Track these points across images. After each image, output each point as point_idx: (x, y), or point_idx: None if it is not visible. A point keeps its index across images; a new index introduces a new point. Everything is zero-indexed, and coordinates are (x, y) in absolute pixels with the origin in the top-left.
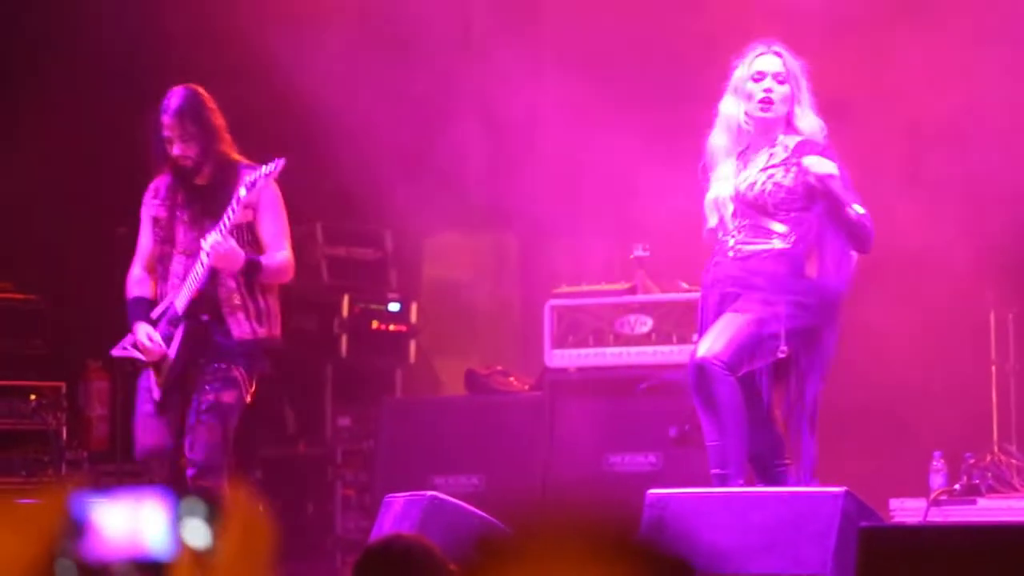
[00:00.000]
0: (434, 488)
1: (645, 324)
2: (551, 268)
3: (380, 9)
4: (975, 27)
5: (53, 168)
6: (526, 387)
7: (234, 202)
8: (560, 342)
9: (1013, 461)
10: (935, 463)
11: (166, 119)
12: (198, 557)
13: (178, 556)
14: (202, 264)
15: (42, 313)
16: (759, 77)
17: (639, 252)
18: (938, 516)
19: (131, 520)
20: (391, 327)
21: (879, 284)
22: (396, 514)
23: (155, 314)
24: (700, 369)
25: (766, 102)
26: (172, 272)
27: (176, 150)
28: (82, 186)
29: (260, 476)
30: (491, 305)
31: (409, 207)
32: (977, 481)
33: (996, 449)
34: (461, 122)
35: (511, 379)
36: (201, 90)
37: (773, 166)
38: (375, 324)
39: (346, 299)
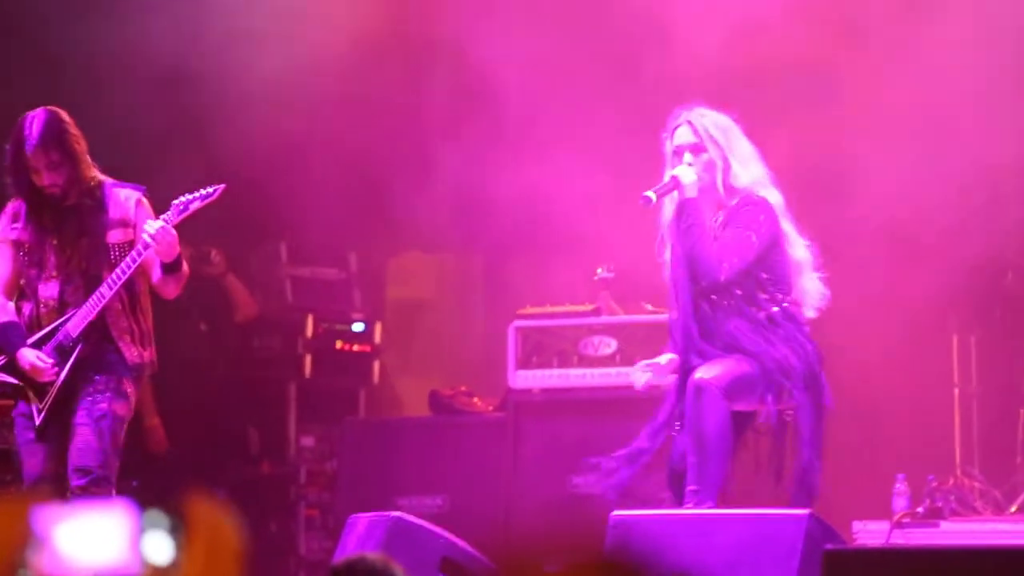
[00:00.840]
0: (398, 509)
1: (609, 346)
2: (515, 289)
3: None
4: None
5: None
6: (490, 408)
7: (181, 204)
8: (524, 363)
9: (976, 484)
10: (898, 486)
11: (29, 150)
12: (162, 572)
13: (142, 572)
14: (139, 252)
15: None
16: (678, 152)
17: (603, 273)
18: (901, 539)
19: (94, 535)
20: (355, 347)
21: (842, 308)
22: (360, 534)
23: (32, 339)
24: (698, 390)
25: (672, 188)
26: (43, 295)
27: (45, 180)
28: None
29: (223, 496)
30: (455, 326)
31: (372, 227)
32: (940, 504)
33: (959, 472)
34: (427, 141)
35: (475, 400)
36: (61, 113)
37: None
38: (339, 344)
39: (310, 319)
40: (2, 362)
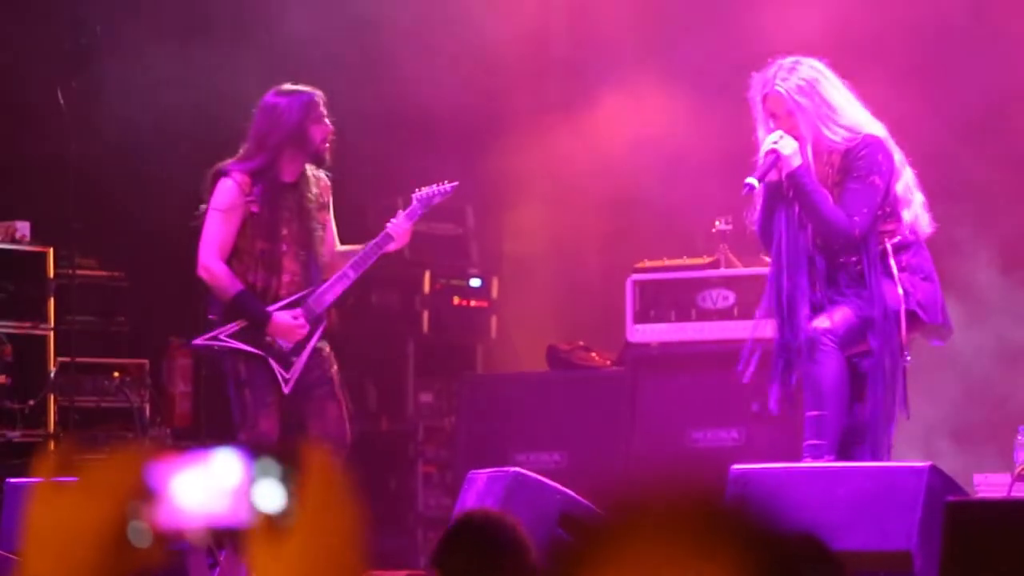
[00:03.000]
0: (516, 465)
1: (728, 299)
2: (633, 242)
3: None
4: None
5: (139, 145)
6: (608, 363)
7: (423, 197)
8: (642, 317)
9: None
10: (1020, 438)
11: (327, 114)
12: (274, 521)
13: (254, 522)
14: (378, 246)
15: (125, 290)
16: (767, 119)
17: (721, 226)
18: (1023, 491)
19: (205, 484)
20: (472, 303)
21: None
22: (479, 490)
23: (273, 306)
24: (811, 342)
25: (775, 163)
26: (286, 268)
27: (322, 139)
28: (166, 163)
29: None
30: (572, 280)
31: (490, 181)
32: None
33: None
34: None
35: (593, 354)
36: None
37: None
38: (456, 300)
39: (427, 275)
40: (235, 329)
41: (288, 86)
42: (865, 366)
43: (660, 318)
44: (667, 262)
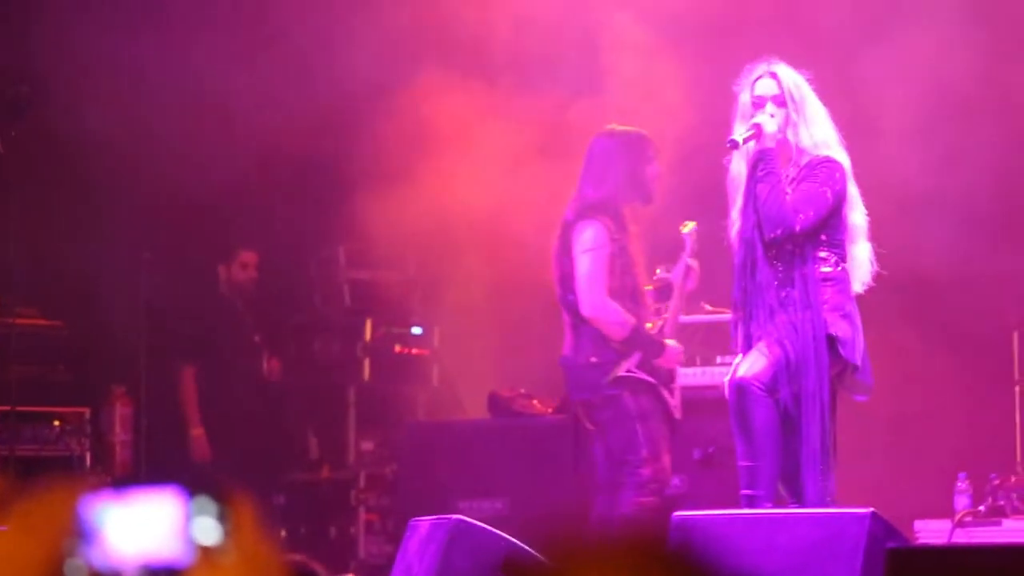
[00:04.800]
0: (458, 512)
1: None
2: None
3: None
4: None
5: (78, 194)
6: (549, 410)
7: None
8: None
9: None
10: (960, 484)
11: (653, 172)
12: (211, 557)
13: (193, 560)
14: (681, 293)
15: (66, 339)
16: (758, 103)
17: (662, 274)
18: (963, 537)
19: (142, 523)
20: (414, 350)
21: (902, 306)
22: (421, 538)
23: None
24: (740, 389)
25: (755, 137)
26: (643, 304)
27: (654, 177)
28: (107, 212)
29: (283, 500)
30: (514, 327)
31: (430, 231)
32: (1002, 502)
33: (1021, 470)
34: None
35: (534, 402)
36: None
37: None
38: (398, 348)
39: (369, 323)
40: (637, 361)
41: (617, 127)
42: (796, 404)
43: None
44: None
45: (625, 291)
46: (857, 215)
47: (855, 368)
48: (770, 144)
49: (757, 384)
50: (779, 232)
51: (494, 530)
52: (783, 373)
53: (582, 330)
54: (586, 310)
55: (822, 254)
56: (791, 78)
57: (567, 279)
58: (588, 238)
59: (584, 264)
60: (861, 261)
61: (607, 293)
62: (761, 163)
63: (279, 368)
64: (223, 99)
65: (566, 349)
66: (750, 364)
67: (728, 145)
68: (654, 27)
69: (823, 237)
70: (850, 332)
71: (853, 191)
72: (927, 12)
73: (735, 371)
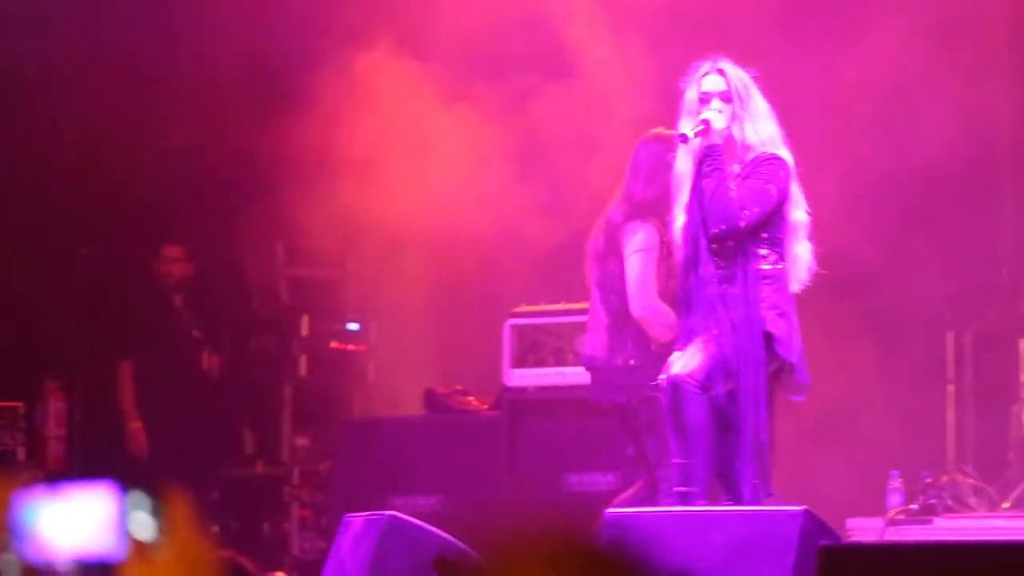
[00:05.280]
0: (392, 508)
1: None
2: (511, 287)
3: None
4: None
5: (12, 189)
6: (485, 407)
7: None
8: (520, 361)
9: (969, 480)
10: (892, 483)
11: None
12: (145, 552)
13: (126, 555)
14: None
15: (0, 333)
16: (705, 98)
17: None
18: (895, 536)
19: (77, 518)
20: (350, 347)
21: (837, 305)
22: (355, 534)
23: None
24: (675, 387)
25: (703, 130)
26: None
27: None
28: (44, 205)
29: (217, 496)
30: (451, 324)
31: (367, 226)
32: (934, 501)
33: (953, 469)
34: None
35: (470, 399)
36: None
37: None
38: (334, 344)
39: (305, 319)
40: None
41: (663, 131)
42: (732, 401)
43: (537, 363)
44: (545, 307)
45: (668, 294)
46: (799, 213)
47: (791, 367)
48: (717, 140)
49: (691, 382)
50: (724, 227)
51: (428, 526)
52: (719, 371)
53: (625, 332)
54: (636, 311)
55: (762, 251)
56: (737, 75)
57: (610, 280)
58: (640, 239)
59: (635, 265)
60: (800, 260)
61: (657, 294)
62: (708, 159)
63: (219, 364)
64: (158, 93)
65: (596, 350)
66: (685, 362)
67: (678, 140)
68: (610, 23)
69: (764, 235)
70: (787, 330)
71: (795, 189)
72: (854, 13)
73: (670, 369)
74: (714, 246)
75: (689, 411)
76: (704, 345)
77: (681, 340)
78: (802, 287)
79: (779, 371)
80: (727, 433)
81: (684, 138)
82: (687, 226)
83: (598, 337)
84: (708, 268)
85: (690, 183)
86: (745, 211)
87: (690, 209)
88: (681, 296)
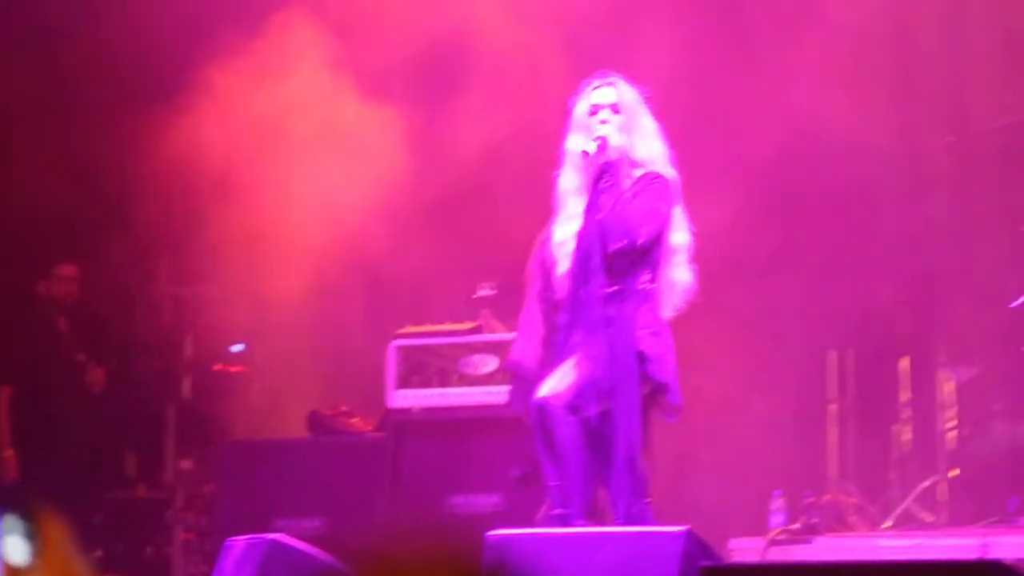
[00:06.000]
0: (276, 531)
1: (489, 364)
2: (396, 308)
3: None
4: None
5: None
6: (370, 428)
7: None
8: (404, 382)
9: (851, 500)
10: (774, 503)
11: None
12: (20, 572)
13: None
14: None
15: None
16: (595, 110)
17: (484, 291)
18: (777, 555)
19: None
20: (234, 368)
21: (718, 322)
22: (236, 557)
23: None
24: (541, 410)
25: (600, 146)
26: None
27: None
28: None
29: (100, 519)
30: (336, 345)
31: (251, 247)
32: (815, 520)
33: (834, 488)
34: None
35: (354, 420)
36: None
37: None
38: (218, 365)
39: (188, 340)
40: None
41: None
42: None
43: (422, 383)
44: (429, 328)
45: None
46: (679, 235)
47: (664, 387)
48: (614, 156)
49: (558, 404)
50: (623, 244)
51: (311, 549)
52: (590, 391)
53: None
54: None
55: (640, 270)
56: (628, 90)
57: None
58: None
59: None
60: (678, 285)
61: None
62: (605, 175)
63: (103, 378)
64: (38, 118)
65: (526, 359)
66: (555, 383)
67: (580, 155)
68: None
69: (645, 254)
70: (660, 351)
71: (678, 212)
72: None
73: (539, 390)
74: (606, 264)
75: (559, 433)
76: (577, 365)
77: (560, 356)
78: (675, 312)
79: (653, 392)
80: (601, 453)
81: (586, 154)
82: (580, 242)
83: (531, 347)
84: (597, 285)
85: (578, 199)
86: (643, 228)
87: (585, 225)
88: (566, 312)
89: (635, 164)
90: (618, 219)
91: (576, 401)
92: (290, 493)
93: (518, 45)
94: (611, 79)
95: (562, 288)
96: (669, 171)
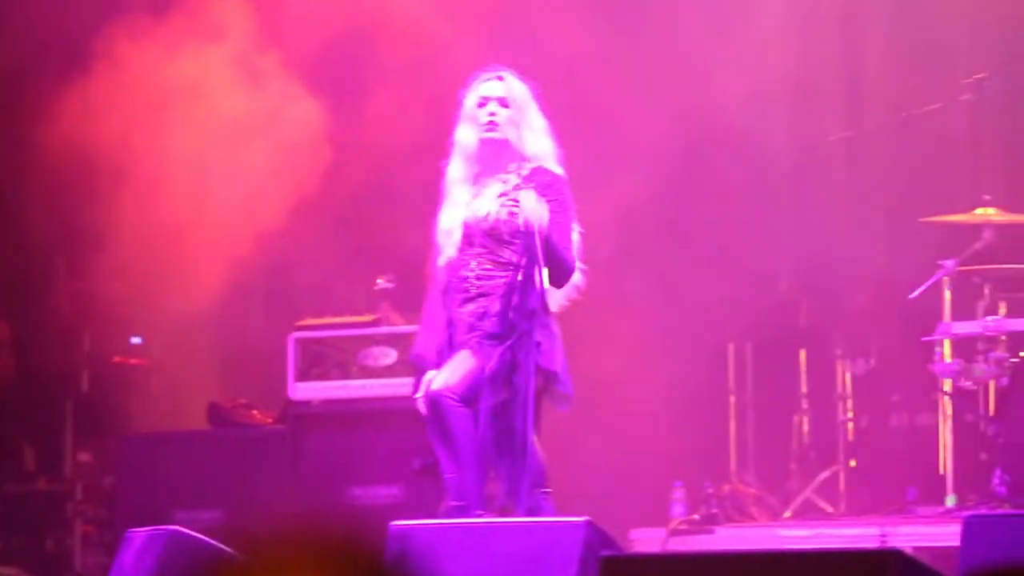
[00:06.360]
0: (176, 523)
1: (389, 356)
2: (295, 300)
3: None
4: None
5: None
6: (269, 420)
7: None
8: (304, 375)
9: (751, 490)
10: (675, 493)
11: None
12: None
13: None
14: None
15: None
16: (483, 102)
17: (383, 284)
18: (678, 545)
19: None
20: (133, 361)
21: (618, 314)
22: (136, 550)
23: None
24: (434, 402)
25: (491, 125)
26: None
27: None
28: None
29: None
30: (235, 337)
31: (150, 239)
32: (716, 511)
33: (735, 479)
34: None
35: (254, 412)
36: None
37: (506, 194)
38: (117, 358)
39: (87, 333)
40: None
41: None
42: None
43: (322, 376)
44: (329, 320)
45: None
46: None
47: (555, 377)
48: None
49: (451, 395)
50: (568, 279)
51: (210, 541)
52: (482, 383)
53: None
54: None
55: (515, 259)
56: (517, 85)
57: None
58: None
59: None
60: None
61: None
62: (551, 189)
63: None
64: None
65: (429, 352)
66: (447, 375)
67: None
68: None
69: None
70: (549, 341)
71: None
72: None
73: (431, 383)
74: (490, 258)
75: (453, 425)
76: (467, 357)
77: (446, 352)
78: (562, 306)
79: (545, 383)
80: (498, 444)
81: (483, 143)
82: (467, 236)
83: (434, 340)
84: (479, 280)
85: (465, 188)
86: (574, 255)
87: (477, 220)
88: (449, 307)
89: (523, 158)
90: (563, 246)
91: (469, 393)
92: (190, 485)
93: (434, 39)
94: (500, 73)
95: (450, 275)
96: (558, 168)
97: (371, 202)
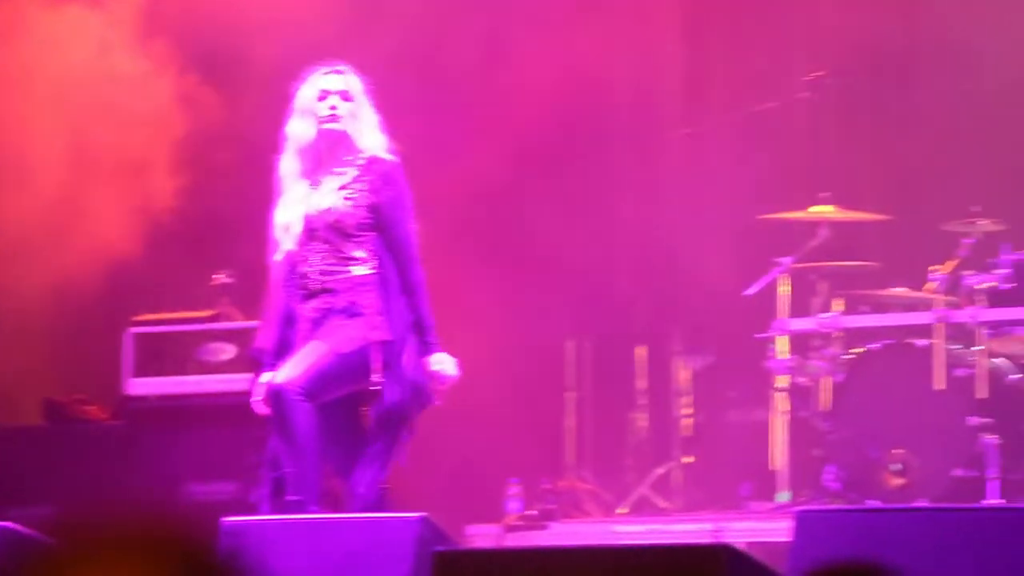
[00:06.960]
0: (9, 520)
1: (227, 352)
2: (135, 294)
3: None
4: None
5: None
6: (106, 416)
7: None
8: (141, 370)
9: (587, 486)
10: (511, 489)
11: None
12: None
13: None
14: None
15: None
16: (323, 96)
17: (222, 279)
18: (513, 541)
19: None
20: None
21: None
22: None
23: None
24: (277, 396)
25: (332, 118)
26: None
27: None
28: None
29: None
30: (71, 332)
31: None
32: (552, 506)
33: (571, 475)
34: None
35: (91, 407)
36: None
37: (346, 186)
38: None
39: None
40: None
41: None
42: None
43: (159, 371)
44: (167, 315)
45: None
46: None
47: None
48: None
49: (294, 389)
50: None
51: (43, 537)
52: (327, 378)
53: None
54: None
55: (359, 253)
56: (355, 80)
57: None
58: None
59: None
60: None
61: None
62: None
63: None
64: None
65: (271, 347)
66: (290, 369)
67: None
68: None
69: (368, 240)
70: (400, 338)
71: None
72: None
73: (274, 377)
74: (332, 254)
75: (294, 419)
76: (310, 352)
77: (283, 348)
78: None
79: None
80: (340, 439)
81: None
82: (308, 229)
83: (276, 336)
84: (318, 276)
85: (300, 182)
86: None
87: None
88: (285, 303)
89: (357, 151)
90: (410, 252)
91: (312, 386)
92: (24, 481)
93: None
94: (340, 67)
95: (289, 270)
96: (390, 156)
97: (214, 197)
